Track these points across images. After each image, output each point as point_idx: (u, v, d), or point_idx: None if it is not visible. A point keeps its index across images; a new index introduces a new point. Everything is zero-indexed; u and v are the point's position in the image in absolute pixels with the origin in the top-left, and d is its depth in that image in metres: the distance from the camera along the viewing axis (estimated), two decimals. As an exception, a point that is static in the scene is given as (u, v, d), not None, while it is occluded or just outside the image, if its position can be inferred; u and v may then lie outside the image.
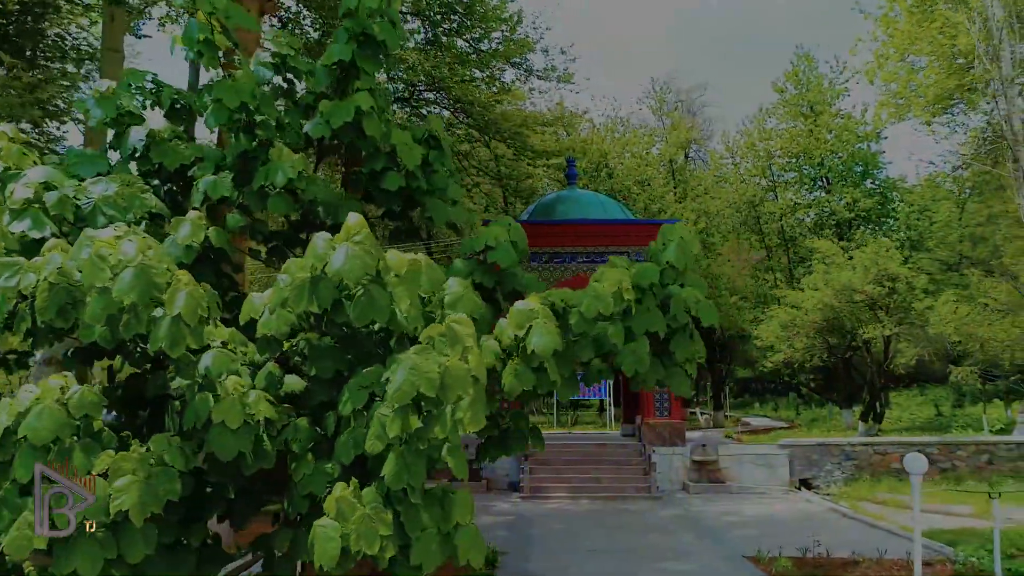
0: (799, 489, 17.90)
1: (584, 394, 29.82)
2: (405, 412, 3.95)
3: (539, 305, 4.47)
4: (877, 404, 22.43)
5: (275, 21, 17.49)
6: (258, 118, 5.57)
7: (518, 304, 4.56)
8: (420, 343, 4.16)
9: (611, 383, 28.25)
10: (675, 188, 33.35)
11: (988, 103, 12.17)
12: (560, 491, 16.93)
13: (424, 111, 22.56)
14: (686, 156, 41.56)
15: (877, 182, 27.27)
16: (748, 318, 28.21)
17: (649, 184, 31.71)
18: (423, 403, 4.03)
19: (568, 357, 4.62)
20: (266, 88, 5.79)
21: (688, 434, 26.51)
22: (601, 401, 32.02)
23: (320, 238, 4.32)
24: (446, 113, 21.91)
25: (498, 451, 5.46)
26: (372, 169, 5.75)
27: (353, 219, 4.29)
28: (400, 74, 19.76)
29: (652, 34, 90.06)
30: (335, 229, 4.69)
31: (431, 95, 21.22)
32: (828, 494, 17.40)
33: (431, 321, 4.45)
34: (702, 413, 39.02)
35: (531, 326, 4.40)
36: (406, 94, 21.61)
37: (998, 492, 8.69)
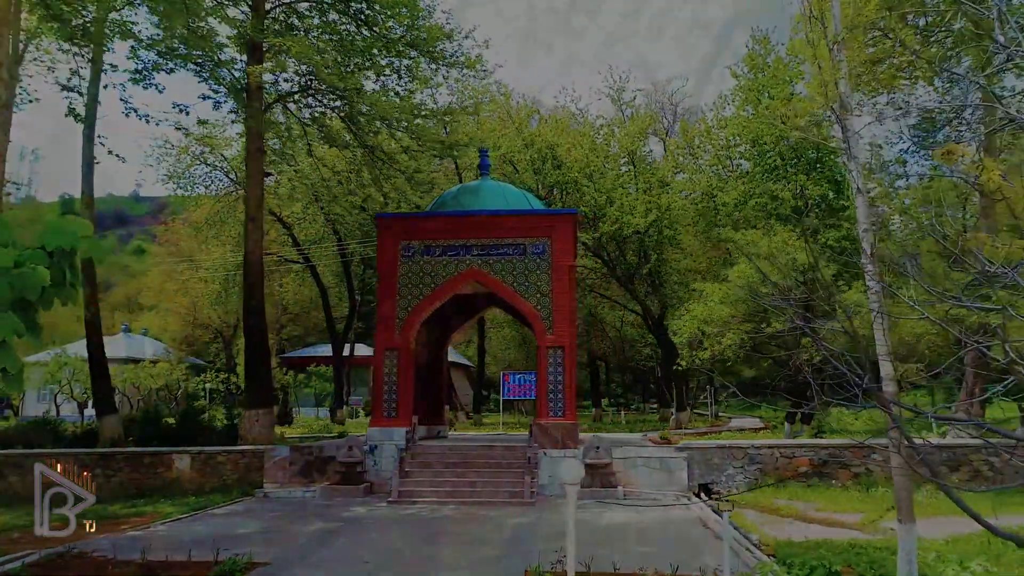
0: (697, 495, 16.75)
1: (525, 394, 28.86)
2: None
3: None
4: (804, 404, 20.99)
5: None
6: None
7: None
8: None
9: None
10: (635, 179, 32.08)
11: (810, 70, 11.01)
12: (430, 496, 16.05)
13: (328, 105, 21.93)
14: (665, 149, 40.08)
15: (831, 168, 25.71)
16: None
17: (603, 176, 30.54)
18: None
19: None
20: None
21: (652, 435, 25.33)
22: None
23: None
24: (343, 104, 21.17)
25: None
26: None
27: None
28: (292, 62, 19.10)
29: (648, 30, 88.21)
30: None
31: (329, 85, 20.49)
32: (727, 500, 16.20)
33: None
34: (675, 412, 37.81)
35: None
36: (302, 85, 20.97)
37: (731, 504, 7.66)
